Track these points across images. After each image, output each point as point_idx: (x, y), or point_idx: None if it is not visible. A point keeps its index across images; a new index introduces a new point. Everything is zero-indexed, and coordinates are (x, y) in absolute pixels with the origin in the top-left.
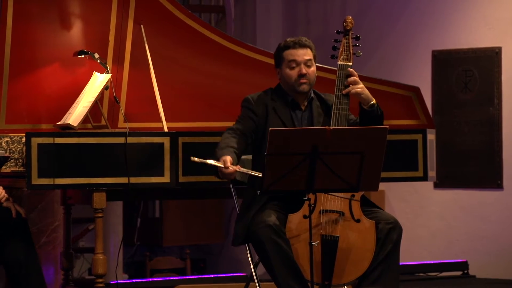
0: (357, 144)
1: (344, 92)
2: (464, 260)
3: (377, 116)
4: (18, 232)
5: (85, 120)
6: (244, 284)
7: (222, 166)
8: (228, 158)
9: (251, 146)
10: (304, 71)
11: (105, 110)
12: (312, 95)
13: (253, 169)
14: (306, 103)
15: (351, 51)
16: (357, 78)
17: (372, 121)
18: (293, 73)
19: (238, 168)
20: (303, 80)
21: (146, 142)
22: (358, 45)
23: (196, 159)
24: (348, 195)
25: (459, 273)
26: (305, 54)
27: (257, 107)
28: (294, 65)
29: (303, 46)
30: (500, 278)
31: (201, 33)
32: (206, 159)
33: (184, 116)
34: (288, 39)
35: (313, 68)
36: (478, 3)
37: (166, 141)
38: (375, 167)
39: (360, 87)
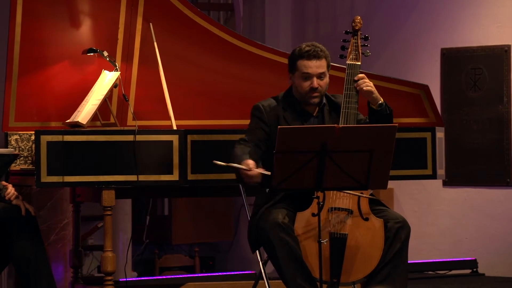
0: (366, 142)
1: (357, 86)
2: (473, 258)
3: (386, 115)
4: (27, 230)
5: (94, 118)
6: (253, 282)
7: (246, 168)
8: (251, 161)
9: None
10: (316, 84)
11: (114, 108)
12: (324, 101)
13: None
14: (317, 110)
15: (360, 51)
16: (365, 77)
17: (381, 120)
18: (306, 85)
19: (262, 170)
20: (314, 94)
21: (155, 140)
22: (367, 45)
23: (219, 162)
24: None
25: (468, 271)
26: (319, 66)
27: (268, 116)
28: (307, 77)
29: (318, 57)
30: (510, 276)
31: (210, 31)
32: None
33: (193, 114)
34: (303, 47)
35: (325, 80)
36: (487, 1)
37: (175, 139)
38: (384, 165)
39: (371, 86)
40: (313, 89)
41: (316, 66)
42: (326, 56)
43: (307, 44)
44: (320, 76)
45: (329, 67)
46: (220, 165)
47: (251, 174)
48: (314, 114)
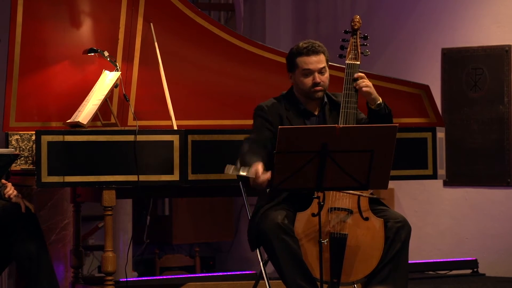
0: (366, 142)
1: (356, 85)
2: (473, 258)
3: (385, 115)
4: (28, 228)
5: (95, 118)
6: (254, 282)
7: (254, 177)
8: (260, 167)
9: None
10: (318, 79)
11: (114, 108)
12: (325, 99)
13: None
14: (319, 109)
15: (359, 50)
16: (364, 77)
17: (380, 121)
18: (308, 81)
19: (269, 175)
20: (317, 88)
21: (156, 140)
22: (366, 45)
23: (230, 171)
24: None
25: (468, 271)
26: (319, 61)
27: (271, 116)
28: (308, 73)
29: (316, 52)
30: (510, 276)
31: (211, 31)
32: (238, 168)
33: (194, 114)
34: (300, 44)
35: (326, 74)
36: (487, 1)
37: (175, 139)
38: (384, 165)
39: (370, 86)
40: (315, 84)
41: (316, 61)
42: (324, 51)
43: (304, 42)
44: (320, 71)
45: (328, 62)
46: (229, 173)
47: (259, 182)
48: (316, 113)
